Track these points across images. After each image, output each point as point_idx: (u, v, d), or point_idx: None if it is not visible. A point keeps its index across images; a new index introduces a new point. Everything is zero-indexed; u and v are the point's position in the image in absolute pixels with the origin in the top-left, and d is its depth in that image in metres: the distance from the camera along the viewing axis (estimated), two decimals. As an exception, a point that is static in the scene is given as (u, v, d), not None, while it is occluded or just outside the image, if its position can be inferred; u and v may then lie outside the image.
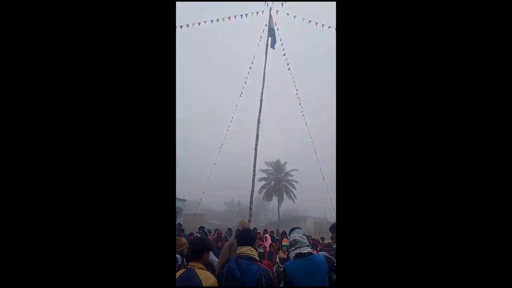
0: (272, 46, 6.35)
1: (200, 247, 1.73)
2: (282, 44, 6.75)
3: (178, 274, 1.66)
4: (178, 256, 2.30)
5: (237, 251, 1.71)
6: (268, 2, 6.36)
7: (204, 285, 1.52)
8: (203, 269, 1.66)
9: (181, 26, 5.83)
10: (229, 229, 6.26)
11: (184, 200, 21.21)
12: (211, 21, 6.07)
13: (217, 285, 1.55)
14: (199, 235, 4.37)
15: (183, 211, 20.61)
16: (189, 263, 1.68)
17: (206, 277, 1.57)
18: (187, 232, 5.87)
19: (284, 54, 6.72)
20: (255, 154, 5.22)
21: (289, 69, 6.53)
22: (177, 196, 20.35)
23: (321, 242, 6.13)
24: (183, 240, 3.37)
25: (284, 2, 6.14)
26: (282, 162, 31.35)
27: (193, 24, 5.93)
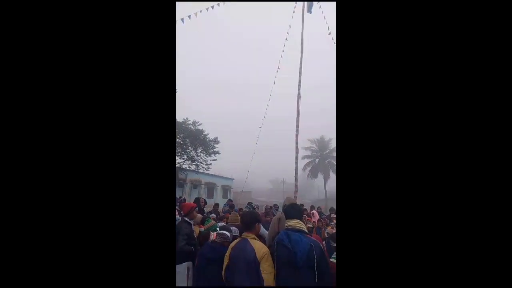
0: (309, 10, 5.75)
1: (251, 219, 1.84)
2: (320, 7, 6.06)
3: (233, 243, 1.82)
4: (234, 228, 2.53)
5: (286, 224, 1.74)
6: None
7: (257, 254, 1.63)
8: (255, 239, 1.77)
9: (212, 7, 5.77)
10: (275, 205, 6.47)
11: (232, 179, 22.75)
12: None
13: (269, 255, 1.64)
14: (245, 209, 4.65)
15: (232, 189, 22.22)
16: (243, 234, 1.82)
17: (259, 246, 1.68)
18: (237, 207, 6.31)
19: (325, 17, 6.04)
20: (297, 130, 5.06)
21: (330, 33, 5.87)
22: (225, 176, 21.92)
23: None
24: (237, 215, 3.70)
25: None
26: (327, 139, 29.93)
27: (224, 3, 5.79)
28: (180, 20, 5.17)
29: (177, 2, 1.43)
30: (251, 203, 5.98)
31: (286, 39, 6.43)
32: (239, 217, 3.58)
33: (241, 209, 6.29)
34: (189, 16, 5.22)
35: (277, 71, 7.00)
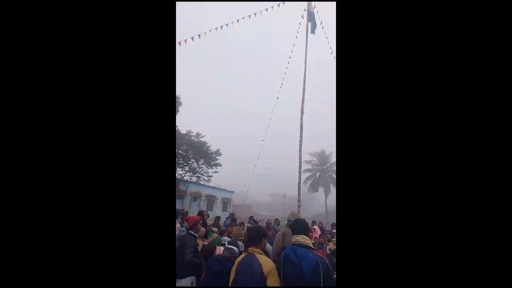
0: (313, 31, 6.06)
1: (258, 234, 1.88)
2: (323, 28, 6.39)
3: (239, 258, 1.85)
4: (240, 243, 2.56)
5: (292, 239, 1.79)
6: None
7: (263, 269, 1.66)
8: (262, 254, 1.81)
9: (221, 27, 6.09)
10: (276, 220, 6.43)
11: (232, 192, 22.57)
12: (249, 16, 6.15)
13: (275, 270, 1.67)
14: (249, 225, 4.65)
15: (232, 202, 21.98)
16: (249, 248, 1.85)
17: (266, 261, 1.71)
18: (238, 221, 6.28)
19: (327, 38, 6.35)
20: (300, 145, 5.17)
21: (332, 53, 6.15)
22: (225, 188, 21.78)
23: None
24: (241, 229, 3.73)
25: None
26: (327, 153, 29.98)
27: (232, 23, 6.11)
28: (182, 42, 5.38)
29: (177, 2, 1.42)
30: (253, 217, 5.95)
31: (290, 57, 6.72)
32: (242, 232, 3.61)
33: (242, 222, 6.25)
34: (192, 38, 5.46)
35: (280, 87, 7.23)
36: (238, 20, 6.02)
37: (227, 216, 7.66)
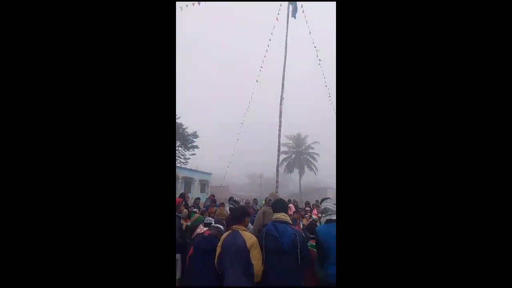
0: (293, 15, 5.99)
1: (241, 212, 2.05)
2: (303, 11, 6.34)
3: (225, 235, 2.01)
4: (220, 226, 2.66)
5: (273, 217, 1.98)
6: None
7: (247, 243, 1.84)
8: (245, 230, 1.99)
9: (199, 3, 5.72)
10: (255, 199, 6.76)
11: (210, 174, 22.64)
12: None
13: (257, 244, 1.87)
14: (232, 206, 4.86)
15: (210, 184, 22.14)
16: (233, 226, 2.02)
17: (249, 236, 1.89)
18: (218, 202, 6.48)
19: (307, 22, 6.34)
20: (279, 130, 5.35)
21: (313, 42, 6.21)
22: (203, 170, 21.74)
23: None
24: (224, 210, 3.92)
25: None
26: (303, 136, 31.07)
27: (196, 2, 5.77)
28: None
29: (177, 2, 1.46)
30: (233, 198, 6.18)
31: (270, 39, 6.63)
32: (225, 212, 3.80)
33: (222, 203, 6.47)
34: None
35: (260, 70, 7.19)
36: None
37: (207, 197, 7.80)
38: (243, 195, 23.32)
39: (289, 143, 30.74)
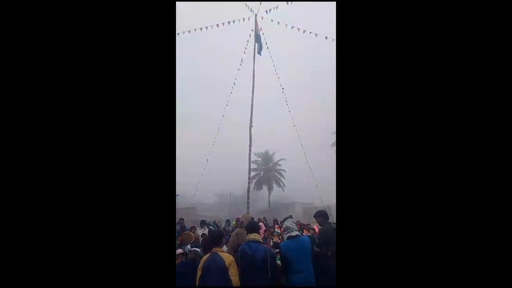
0: (259, 52, 6.82)
1: (219, 237, 2.39)
2: (268, 48, 7.25)
3: (205, 258, 2.30)
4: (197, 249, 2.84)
5: (247, 237, 2.37)
6: (253, 9, 6.76)
7: (225, 262, 2.17)
8: (223, 251, 2.31)
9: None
10: (228, 221, 6.93)
11: (177, 195, 21.56)
12: (200, 28, 6.40)
13: (234, 262, 2.20)
14: (212, 228, 4.94)
15: (176, 206, 20.94)
16: (212, 249, 2.32)
17: (227, 256, 2.23)
18: (188, 226, 6.41)
19: (271, 57, 7.24)
20: (249, 153, 5.84)
21: (276, 73, 7.10)
22: (169, 192, 20.52)
23: (306, 226, 6.89)
24: (192, 234, 4.05)
25: (269, 10, 6.57)
26: (271, 153, 32.22)
27: (183, 33, 6.24)
28: None
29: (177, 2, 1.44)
30: (204, 220, 6.28)
31: (239, 69, 7.31)
32: (193, 236, 3.96)
33: (193, 227, 6.45)
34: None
35: (229, 95, 7.74)
36: (190, 31, 6.20)
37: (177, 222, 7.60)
38: (211, 215, 22.64)
39: (258, 161, 31.43)
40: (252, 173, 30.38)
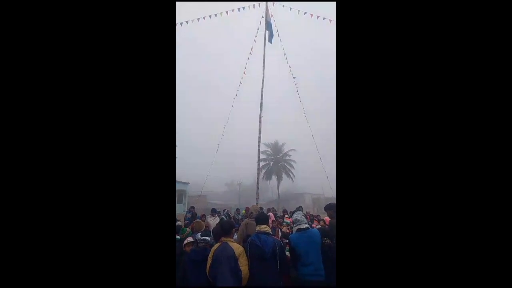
0: (270, 40, 6.61)
1: (229, 226, 2.42)
2: (279, 35, 7.01)
3: (215, 247, 2.34)
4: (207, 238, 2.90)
5: (257, 228, 2.38)
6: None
7: (235, 252, 2.20)
8: (232, 241, 2.35)
9: (181, 23, 6.04)
10: (237, 210, 7.06)
11: (187, 184, 22.21)
12: (210, 16, 6.25)
13: (244, 252, 2.24)
14: (224, 217, 5.05)
15: (187, 193, 21.70)
16: (222, 238, 2.36)
17: (236, 246, 2.26)
18: (199, 214, 6.58)
19: (282, 45, 7.01)
20: (259, 144, 5.81)
21: (287, 62, 6.89)
22: (180, 180, 21.28)
23: (316, 218, 6.90)
24: (202, 223, 4.15)
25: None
26: (280, 143, 32.11)
27: (192, 21, 6.12)
28: None
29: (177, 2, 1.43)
30: (215, 209, 6.41)
31: (249, 58, 7.16)
32: (203, 224, 4.06)
33: (203, 215, 6.62)
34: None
35: (239, 85, 7.65)
36: (198, 19, 6.08)
37: (186, 210, 7.80)
38: (221, 203, 23.22)
39: (268, 151, 31.50)
40: (262, 163, 30.71)
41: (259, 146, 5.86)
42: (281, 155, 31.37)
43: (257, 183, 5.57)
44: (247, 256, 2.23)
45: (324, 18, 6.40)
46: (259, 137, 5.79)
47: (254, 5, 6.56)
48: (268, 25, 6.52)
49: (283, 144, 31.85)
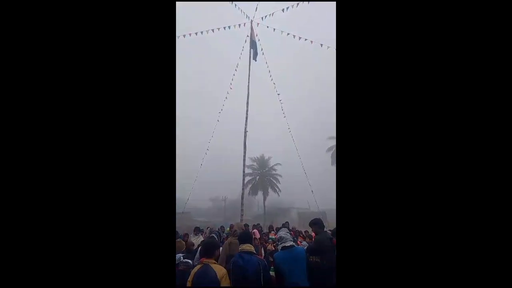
0: (254, 58, 6.84)
1: (212, 247, 2.30)
2: (263, 54, 7.28)
3: (195, 269, 2.20)
4: (189, 261, 2.74)
5: (240, 248, 2.29)
6: (249, 15, 6.80)
7: (217, 275, 2.09)
8: (215, 263, 2.23)
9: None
10: (222, 227, 6.81)
11: (170, 200, 21.22)
12: (195, 33, 6.40)
13: (227, 274, 2.12)
14: (213, 234, 4.83)
15: (170, 211, 20.65)
16: (204, 260, 2.24)
17: (219, 269, 2.14)
18: (181, 233, 6.28)
19: (266, 63, 7.27)
20: (244, 160, 5.78)
21: (272, 79, 7.13)
22: (163, 196, 20.29)
23: (304, 234, 6.81)
24: (183, 242, 3.93)
25: (264, 17, 6.63)
26: (266, 157, 32.22)
27: (178, 37, 6.22)
28: None
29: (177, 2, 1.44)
30: (198, 227, 6.14)
31: (234, 74, 7.31)
32: (184, 244, 3.85)
33: (186, 234, 6.31)
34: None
35: (224, 100, 7.72)
36: (190, 34, 6.19)
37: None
38: (206, 220, 22.37)
39: (253, 165, 31.37)
40: (248, 178, 30.38)
41: (244, 161, 5.82)
42: (267, 169, 31.35)
43: (242, 198, 5.46)
44: (229, 278, 2.11)
45: (305, 39, 6.79)
46: (244, 152, 5.78)
47: (240, 24, 6.84)
48: (253, 44, 6.78)
49: (269, 158, 31.96)
